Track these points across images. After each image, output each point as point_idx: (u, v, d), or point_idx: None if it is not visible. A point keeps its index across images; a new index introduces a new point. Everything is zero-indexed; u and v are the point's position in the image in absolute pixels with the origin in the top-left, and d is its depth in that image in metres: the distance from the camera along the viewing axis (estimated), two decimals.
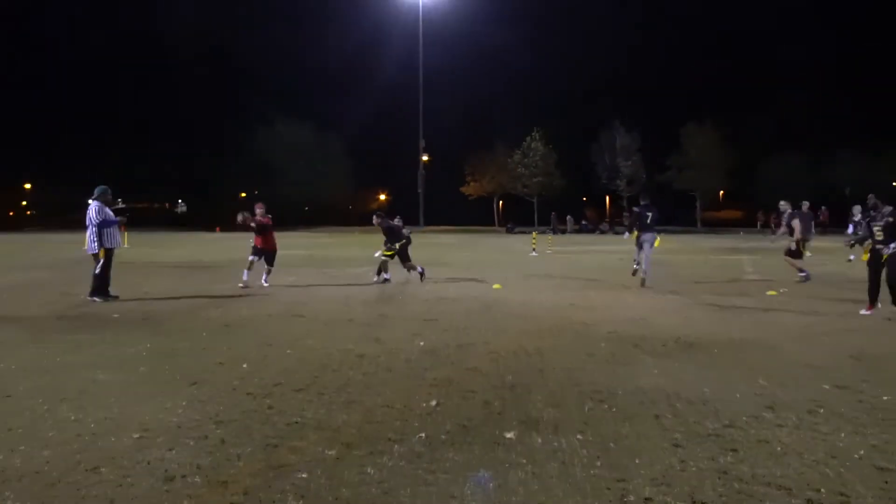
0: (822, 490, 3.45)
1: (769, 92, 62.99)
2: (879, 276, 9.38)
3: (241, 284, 12.13)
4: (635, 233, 13.73)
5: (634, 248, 13.87)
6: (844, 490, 3.45)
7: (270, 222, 12.81)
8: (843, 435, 4.32)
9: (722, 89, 63.71)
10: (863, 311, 9.45)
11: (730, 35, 65.84)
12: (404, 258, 13.58)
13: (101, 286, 10.59)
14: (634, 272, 13.58)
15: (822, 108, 59.33)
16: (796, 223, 13.51)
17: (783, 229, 14.01)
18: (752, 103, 62.96)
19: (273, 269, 12.88)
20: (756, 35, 65.83)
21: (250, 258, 12.56)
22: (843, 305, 10.43)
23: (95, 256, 10.63)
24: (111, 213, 10.90)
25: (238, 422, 4.55)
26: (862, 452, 4.00)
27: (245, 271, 12.37)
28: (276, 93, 65.75)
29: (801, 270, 13.55)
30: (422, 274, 13.59)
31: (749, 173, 61.71)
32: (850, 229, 19.54)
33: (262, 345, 7.15)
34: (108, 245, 10.74)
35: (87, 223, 10.67)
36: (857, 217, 19.14)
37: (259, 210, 12.67)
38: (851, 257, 18.47)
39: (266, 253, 12.72)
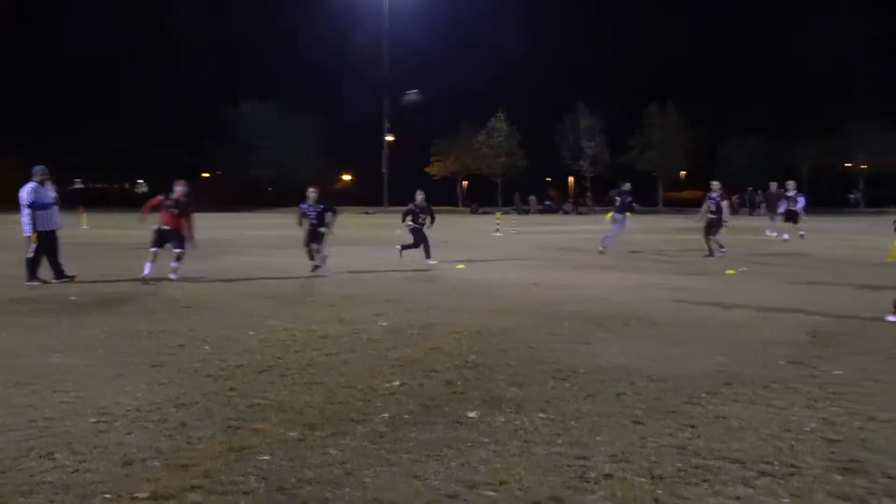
0: (775, 462, 3.54)
1: (730, 77, 63.83)
2: None
3: (141, 276, 10.49)
4: (610, 213, 16.22)
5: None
6: (795, 462, 3.55)
7: (190, 202, 11.11)
8: (795, 409, 4.44)
9: (683, 73, 64.27)
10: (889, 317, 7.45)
11: (695, 21, 66.39)
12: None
13: (34, 269, 10.17)
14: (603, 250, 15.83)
15: (782, 92, 60.48)
16: (725, 205, 14.93)
17: (704, 207, 15.24)
18: (712, 87, 63.73)
19: (184, 253, 10.89)
20: (718, 20, 66.51)
21: (152, 249, 10.65)
22: (800, 284, 10.71)
23: (29, 240, 10.20)
24: (49, 195, 10.35)
25: (199, 404, 4.49)
26: (813, 426, 4.12)
27: (148, 264, 10.56)
28: (243, 73, 64.40)
29: (710, 252, 14.93)
30: (316, 267, 12.07)
31: (710, 155, 62.61)
32: (783, 207, 20.00)
33: (223, 326, 7.06)
34: (42, 228, 10.20)
35: (21, 205, 10.17)
36: (791, 193, 19.85)
37: (179, 188, 11.03)
38: (786, 236, 19.26)
39: (176, 235, 10.84)
